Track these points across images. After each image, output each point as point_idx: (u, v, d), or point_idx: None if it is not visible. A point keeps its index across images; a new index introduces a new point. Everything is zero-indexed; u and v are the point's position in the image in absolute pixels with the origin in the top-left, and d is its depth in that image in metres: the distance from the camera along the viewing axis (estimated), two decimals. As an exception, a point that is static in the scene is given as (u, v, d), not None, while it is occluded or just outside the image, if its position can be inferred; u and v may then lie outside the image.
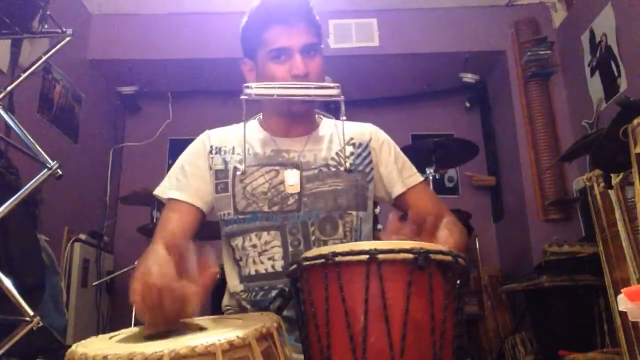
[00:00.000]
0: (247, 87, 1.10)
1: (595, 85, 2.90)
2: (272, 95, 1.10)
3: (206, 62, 3.49)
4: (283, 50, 1.13)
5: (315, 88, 1.10)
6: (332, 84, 1.10)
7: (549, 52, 3.27)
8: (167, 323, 0.71)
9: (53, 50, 1.62)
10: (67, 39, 1.61)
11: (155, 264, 0.80)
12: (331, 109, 1.30)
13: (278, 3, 1.15)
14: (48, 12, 1.56)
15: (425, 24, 3.49)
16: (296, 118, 1.21)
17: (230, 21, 3.34)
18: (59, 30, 1.60)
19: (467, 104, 3.89)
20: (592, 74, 2.93)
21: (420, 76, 3.77)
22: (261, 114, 1.29)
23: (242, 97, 1.09)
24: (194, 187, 1.17)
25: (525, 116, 3.32)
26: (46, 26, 1.58)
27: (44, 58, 1.61)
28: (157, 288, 0.71)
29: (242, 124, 1.19)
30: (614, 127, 1.22)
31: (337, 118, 1.30)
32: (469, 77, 3.65)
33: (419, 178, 1.26)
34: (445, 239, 0.95)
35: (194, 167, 1.19)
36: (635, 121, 1.17)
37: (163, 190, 1.19)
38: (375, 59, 3.49)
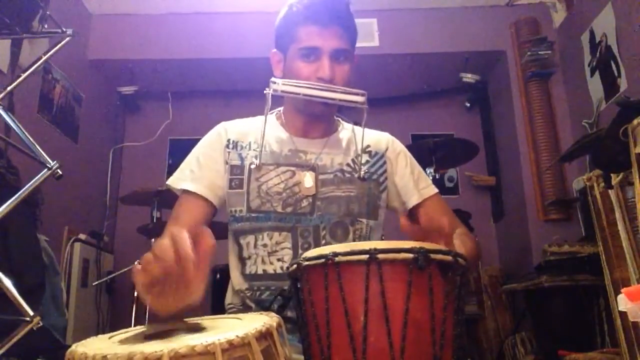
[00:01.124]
0: (274, 82, 1.09)
1: (595, 85, 2.90)
2: (299, 94, 1.09)
3: (206, 62, 3.49)
4: (313, 50, 1.13)
5: (341, 92, 1.10)
6: (358, 91, 1.10)
7: (549, 52, 3.27)
8: (170, 314, 0.67)
9: (53, 50, 1.62)
10: (67, 39, 1.61)
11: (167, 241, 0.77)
12: (346, 112, 1.30)
13: (319, 2, 1.14)
14: (48, 12, 1.56)
15: (425, 24, 3.49)
16: (315, 119, 1.21)
17: (230, 21, 3.38)
18: (59, 30, 1.60)
19: (467, 104, 3.89)
20: (592, 74, 2.93)
21: (420, 76, 3.77)
22: (280, 110, 1.28)
23: (267, 91, 1.08)
24: (208, 180, 1.15)
25: (525, 116, 3.31)
26: (46, 26, 1.58)
27: (44, 58, 1.61)
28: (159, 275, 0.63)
29: (259, 117, 1.18)
30: (614, 127, 1.22)
31: (351, 120, 1.30)
32: (469, 77, 3.65)
33: (434, 189, 1.26)
34: (458, 248, 0.95)
35: (210, 160, 1.18)
36: (635, 121, 1.17)
37: (176, 181, 1.17)
38: (375, 59, 3.49)
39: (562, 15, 3.35)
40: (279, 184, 1.14)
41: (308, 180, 1.14)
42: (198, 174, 1.16)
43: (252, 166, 1.15)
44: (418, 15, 3.50)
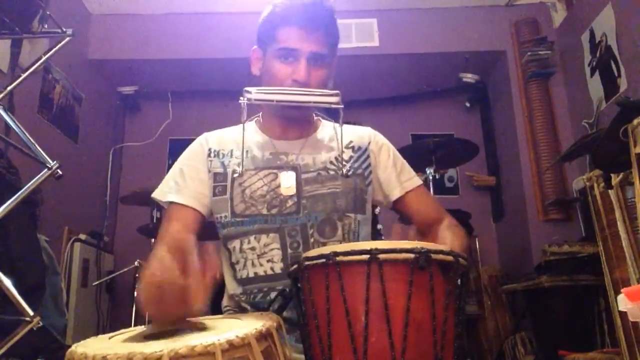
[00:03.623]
0: (247, 91, 1.09)
1: (595, 85, 2.90)
2: (272, 100, 1.10)
3: (206, 62, 3.49)
4: (291, 51, 1.13)
5: (314, 95, 1.10)
6: (332, 92, 1.10)
7: (549, 52, 3.27)
8: (172, 321, 0.71)
9: (53, 50, 1.62)
10: (67, 39, 1.61)
11: (158, 263, 0.81)
12: (330, 111, 1.30)
13: (301, 5, 1.14)
14: (48, 12, 1.56)
15: (425, 24, 3.49)
16: (293, 121, 1.22)
17: (230, 21, 3.38)
18: (59, 30, 1.60)
19: (467, 104, 3.89)
20: (592, 74, 2.93)
21: (420, 76, 3.77)
22: (260, 115, 1.29)
23: (241, 101, 1.09)
24: (193, 190, 1.16)
25: (525, 116, 3.32)
26: (46, 26, 1.58)
27: (44, 58, 1.61)
28: (158, 284, 0.72)
29: (240, 126, 1.18)
30: (614, 127, 1.22)
31: (336, 121, 1.30)
32: (469, 77, 3.65)
33: (418, 181, 1.26)
34: (450, 242, 0.95)
35: (193, 170, 1.19)
36: (636, 121, 1.17)
37: (161, 194, 1.19)
38: (375, 59, 3.49)
39: (562, 15, 3.35)
40: (262, 187, 1.14)
41: (287, 180, 1.14)
42: (182, 185, 1.17)
43: (235, 175, 1.15)
44: (418, 15, 3.49)
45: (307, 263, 0.73)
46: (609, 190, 1.48)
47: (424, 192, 1.27)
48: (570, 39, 3.19)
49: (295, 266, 0.76)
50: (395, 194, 1.22)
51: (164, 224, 1.15)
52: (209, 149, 1.21)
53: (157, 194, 1.19)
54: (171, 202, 1.17)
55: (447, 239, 1.03)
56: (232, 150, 1.20)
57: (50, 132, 2.92)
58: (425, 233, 1.15)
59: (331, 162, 1.19)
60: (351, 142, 1.24)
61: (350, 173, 1.18)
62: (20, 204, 1.40)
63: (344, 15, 3.42)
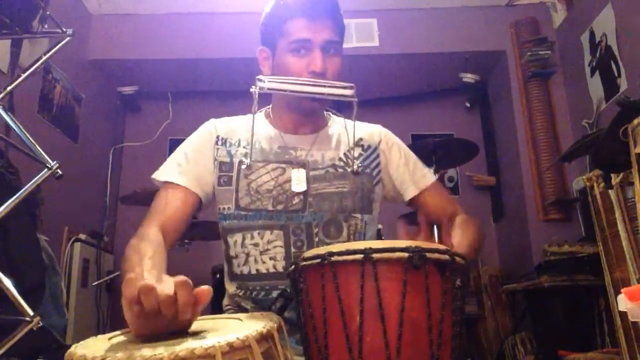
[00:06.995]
0: (260, 79, 1.07)
1: (595, 85, 2.90)
2: (286, 90, 1.08)
3: (206, 62, 3.49)
4: (304, 42, 1.11)
5: (329, 87, 1.08)
6: (346, 84, 1.09)
7: (549, 52, 3.27)
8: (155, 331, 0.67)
9: (53, 50, 1.61)
10: (67, 39, 1.60)
11: (148, 269, 0.79)
12: (336, 106, 1.29)
13: None
14: (48, 12, 1.55)
15: (425, 24, 3.49)
16: (306, 115, 1.19)
17: (230, 21, 3.38)
18: (59, 30, 1.60)
19: (467, 104, 3.89)
20: (592, 74, 2.93)
21: (420, 76, 3.77)
22: (269, 107, 1.26)
23: (253, 89, 1.06)
24: (195, 174, 1.13)
25: (525, 116, 3.31)
26: (46, 26, 1.58)
27: (44, 58, 1.61)
28: (154, 301, 0.63)
29: (249, 115, 1.15)
30: (614, 127, 1.22)
31: (345, 116, 1.28)
32: (469, 77, 3.65)
33: (432, 179, 1.24)
34: (459, 240, 0.94)
35: (198, 155, 1.16)
36: (636, 121, 1.17)
37: (161, 175, 1.15)
38: (375, 59, 3.49)
39: (562, 15, 3.34)
40: (269, 181, 1.12)
41: (298, 177, 1.13)
42: (185, 167, 1.14)
43: (243, 166, 1.13)
44: (418, 15, 3.49)
45: (303, 264, 0.73)
46: (609, 190, 1.48)
47: (437, 188, 1.25)
48: (570, 39, 3.18)
49: (292, 267, 0.76)
50: (410, 194, 1.21)
51: (157, 202, 1.10)
52: (217, 136, 1.18)
53: (157, 175, 1.15)
54: (168, 182, 1.12)
55: (456, 237, 0.99)
56: (239, 140, 1.18)
57: (50, 132, 2.92)
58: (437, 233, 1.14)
59: (340, 159, 1.17)
60: (361, 139, 1.22)
61: (359, 171, 1.16)
62: (20, 204, 1.40)
63: (344, 15, 3.41)
